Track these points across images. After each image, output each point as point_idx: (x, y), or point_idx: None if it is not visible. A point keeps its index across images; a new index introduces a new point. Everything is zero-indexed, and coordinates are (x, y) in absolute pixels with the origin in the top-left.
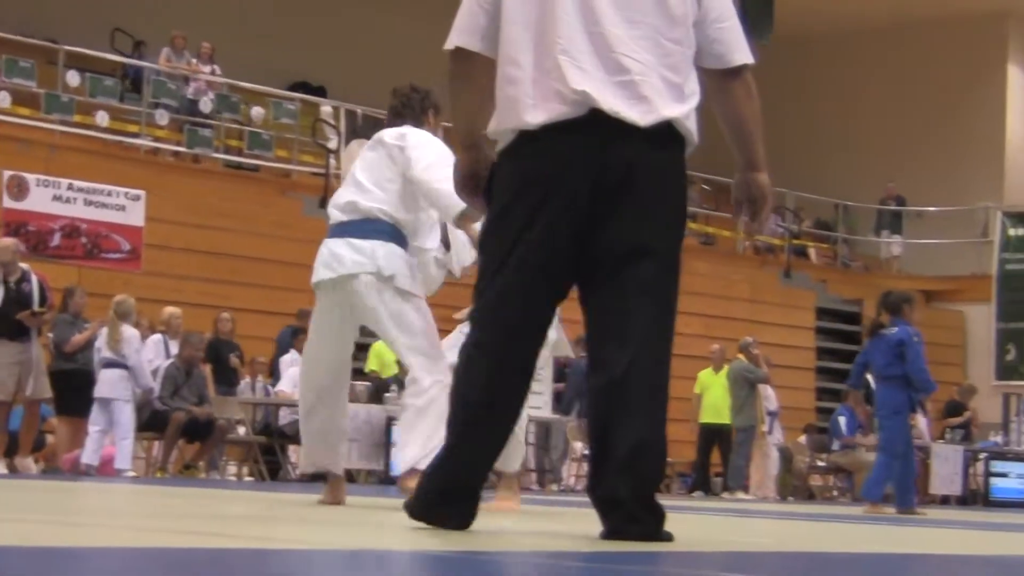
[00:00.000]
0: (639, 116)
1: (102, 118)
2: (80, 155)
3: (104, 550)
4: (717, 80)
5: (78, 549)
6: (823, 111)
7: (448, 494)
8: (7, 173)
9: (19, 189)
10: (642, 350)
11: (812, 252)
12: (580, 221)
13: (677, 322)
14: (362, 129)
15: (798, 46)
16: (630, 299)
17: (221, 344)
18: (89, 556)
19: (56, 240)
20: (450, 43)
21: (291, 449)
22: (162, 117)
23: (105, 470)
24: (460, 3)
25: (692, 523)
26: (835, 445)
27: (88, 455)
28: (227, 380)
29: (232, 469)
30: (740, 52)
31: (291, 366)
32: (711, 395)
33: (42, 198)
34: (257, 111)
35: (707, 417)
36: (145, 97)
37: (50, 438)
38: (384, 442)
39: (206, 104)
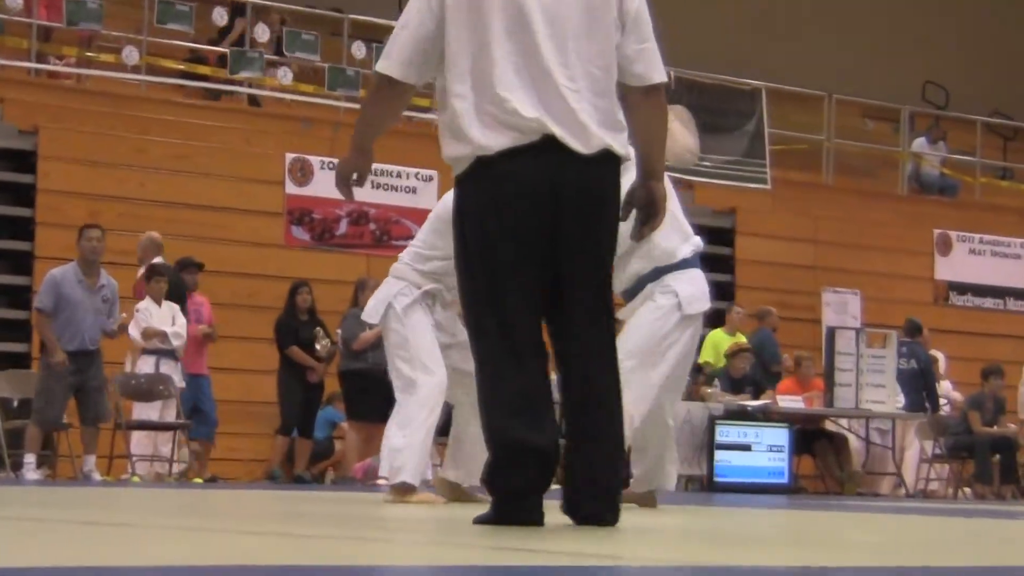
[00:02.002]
0: (582, 145)
1: None
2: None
3: (396, 569)
4: (635, 97)
5: (375, 568)
6: None
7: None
8: (290, 156)
9: (302, 173)
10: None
11: None
12: (545, 237)
13: None
14: (675, 94)
15: None
16: (579, 325)
17: None
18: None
19: (343, 228)
20: (384, 69)
21: None
22: None
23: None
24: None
25: None
26: None
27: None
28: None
29: None
30: (658, 72)
31: None
32: None
33: (327, 182)
34: None
35: None
36: None
37: (339, 445)
38: (707, 443)
39: None
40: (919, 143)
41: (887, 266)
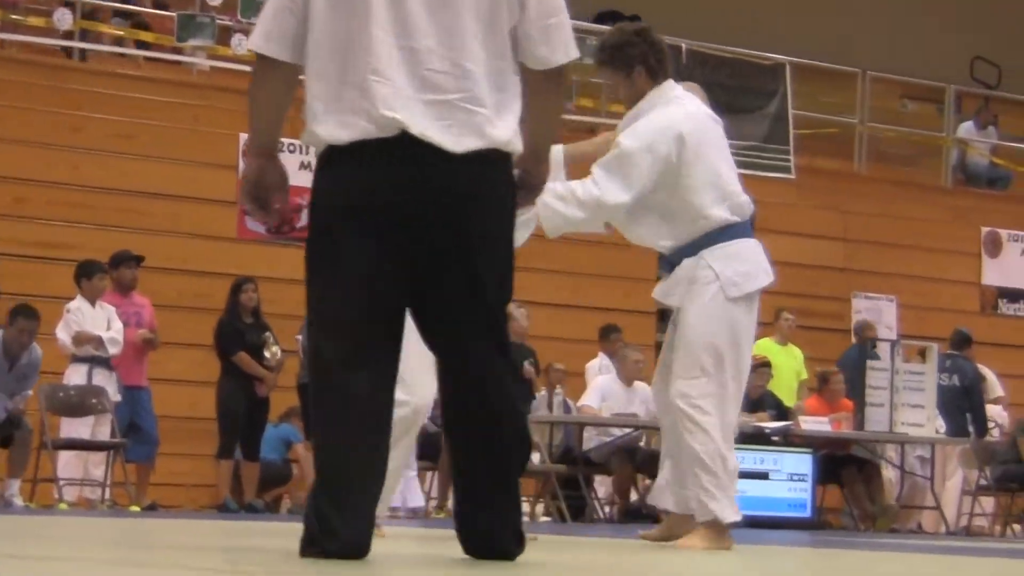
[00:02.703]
0: (452, 142)
1: None
2: None
3: None
4: (536, 79)
5: None
6: None
7: None
8: (244, 136)
9: None
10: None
11: None
12: (399, 245)
13: None
14: (686, 69)
15: None
16: (468, 341)
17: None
18: None
19: (304, 219)
20: (256, 47)
21: (597, 480)
22: None
23: None
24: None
25: None
26: None
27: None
28: (519, 394)
29: (523, 507)
30: (562, 52)
31: (598, 374)
32: None
33: (287, 166)
34: None
35: None
36: None
37: (296, 468)
38: None
39: None
40: (966, 128)
41: (927, 269)
